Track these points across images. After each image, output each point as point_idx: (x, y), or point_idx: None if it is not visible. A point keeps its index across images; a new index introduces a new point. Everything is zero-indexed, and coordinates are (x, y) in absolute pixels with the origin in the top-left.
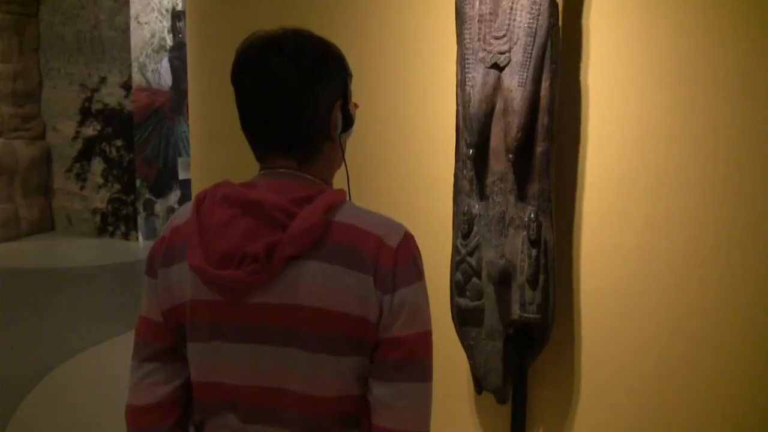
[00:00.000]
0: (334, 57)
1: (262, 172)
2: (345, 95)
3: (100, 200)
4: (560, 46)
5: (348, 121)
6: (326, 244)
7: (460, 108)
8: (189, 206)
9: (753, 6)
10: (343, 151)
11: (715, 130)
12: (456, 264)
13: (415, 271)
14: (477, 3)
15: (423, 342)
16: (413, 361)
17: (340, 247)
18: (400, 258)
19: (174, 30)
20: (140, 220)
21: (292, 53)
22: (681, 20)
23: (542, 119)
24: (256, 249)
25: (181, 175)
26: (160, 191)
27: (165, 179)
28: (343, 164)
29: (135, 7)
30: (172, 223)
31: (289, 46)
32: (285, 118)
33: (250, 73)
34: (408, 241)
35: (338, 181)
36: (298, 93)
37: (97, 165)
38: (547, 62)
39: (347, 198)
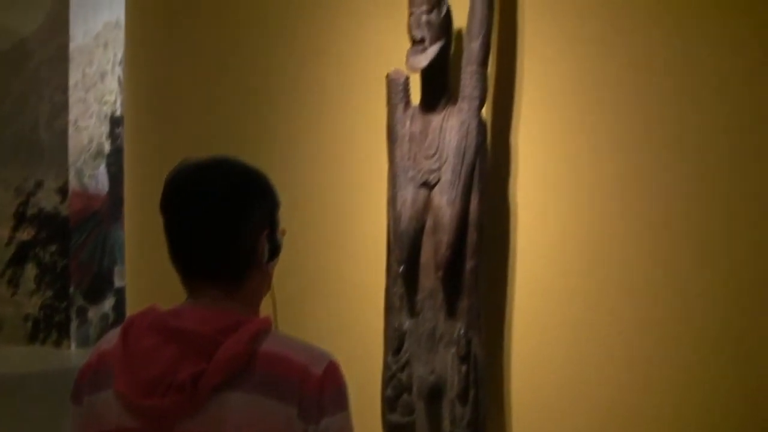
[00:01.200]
0: (262, 187)
1: (188, 299)
2: (272, 224)
3: (32, 306)
4: (489, 164)
5: (275, 250)
6: (251, 374)
7: (391, 225)
8: (116, 332)
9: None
10: (270, 278)
11: (632, 255)
12: (387, 380)
13: (341, 401)
14: (408, 122)
15: None
16: None
17: (265, 377)
18: (326, 387)
19: (112, 136)
20: (73, 327)
21: (220, 183)
22: (598, 141)
23: (471, 236)
24: (182, 378)
25: (117, 283)
26: (95, 298)
27: (100, 286)
28: (271, 291)
29: (74, 112)
30: (99, 347)
31: (218, 176)
32: (212, 246)
33: (178, 201)
34: (334, 370)
35: (266, 306)
36: (226, 222)
37: (31, 270)
38: (476, 180)
39: (273, 326)
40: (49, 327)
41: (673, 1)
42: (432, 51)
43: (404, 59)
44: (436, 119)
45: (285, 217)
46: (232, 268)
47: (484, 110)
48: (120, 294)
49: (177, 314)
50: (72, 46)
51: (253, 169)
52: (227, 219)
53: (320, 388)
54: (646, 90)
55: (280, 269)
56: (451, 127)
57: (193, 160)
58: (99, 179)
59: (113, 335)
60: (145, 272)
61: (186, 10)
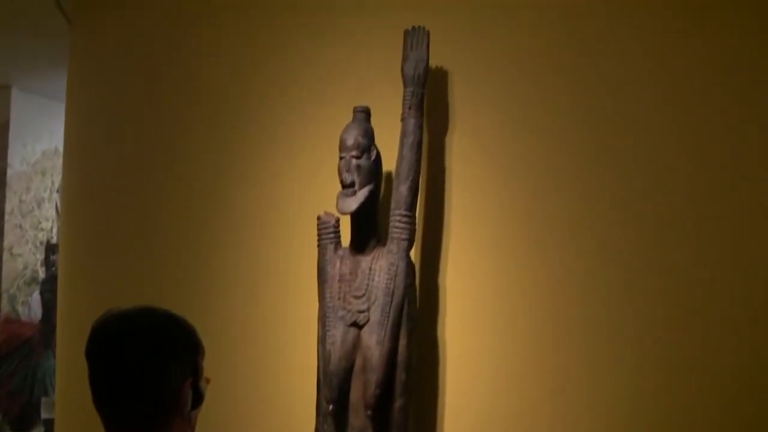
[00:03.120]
0: (185, 337)
1: None
2: (196, 373)
3: None
4: (417, 304)
5: (198, 398)
6: None
7: (321, 364)
8: None
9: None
10: (193, 426)
11: (567, 372)
12: None
13: None
14: (338, 263)
15: None
16: None
17: None
18: None
19: (47, 263)
20: None
21: (143, 334)
22: (531, 273)
23: (400, 375)
24: None
25: (44, 414)
26: (22, 428)
27: (28, 415)
28: None
29: (9, 239)
30: None
31: (141, 327)
32: (134, 396)
33: (102, 350)
34: None
35: None
36: (149, 371)
37: None
38: (404, 320)
39: None
40: None
41: (603, 149)
42: (362, 195)
43: (335, 200)
44: (365, 260)
45: (218, 354)
46: (155, 417)
47: (412, 252)
48: (49, 425)
49: None
50: (10, 172)
51: (177, 319)
52: (149, 370)
53: None
54: (570, 231)
55: (207, 408)
56: (380, 268)
57: (118, 310)
58: (32, 306)
59: None
60: (75, 405)
61: (124, 139)
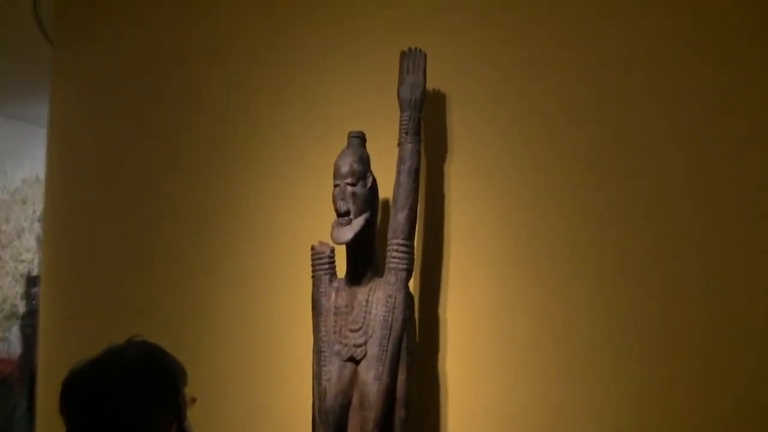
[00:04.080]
0: (165, 377)
1: None
2: (179, 413)
3: None
4: (417, 338)
5: None
6: None
7: (316, 401)
8: None
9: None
10: None
11: (572, 404)
12: None
13: None
14: (333, 295)
15: None
16: None
17: None
18: None
19: (28, 296)
20: None
21: (121, 385)
22: (535, 303)
23: (399, 412)
24: None
25: None
26: None
27: None
28: None
29: None
30: None
31: (117, 378)
32: None
33: (78, 408)
34: None
35: None
36: (130, 428)
37: None
38: (403, 354)
39: None
40: None
41: (607, 176)
42: (357, 224)
43: (330, 231)
44: (362, 292)
45: (209, 391)
46: None
47: (411, 282)
48: None
49: None
50: None
51: (154, 357)
52: (130, 427)
53: None
54: (573, 261)
55: None
56: (378, 300)
57: (87, 359)
58: (11, 342)
59: None
60: None
61: (109, 166)
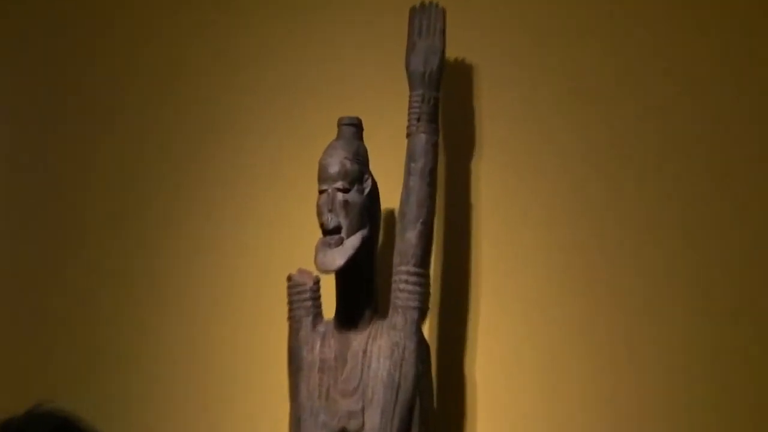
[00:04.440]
0: None
1: None
2: None
3: None
4: (435, 402)
5: None
6: None
7: None
8: None
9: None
10: None
11: None
12: None
13: None
14: (318, 344)
15: None
16: None
17: None
18: None
19: None
20: None
21: None
22: (585, 355)
23: None
24: None
25: None
26: None
27: None
28: None
29: None
30: None
31: None
32: None
33: None
34: None
35: None
36: None
37: None
38: (415, 424)
39: None
40: None
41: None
42: (351, 245)
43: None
44: (357, 339)
45: None
46: None
47: (425, 326)
48: None
49: None
50: None
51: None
52: None
53: None
54: (598, 308)
55: None
56: (380, 351)
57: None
58: None
59: None
60: None
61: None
